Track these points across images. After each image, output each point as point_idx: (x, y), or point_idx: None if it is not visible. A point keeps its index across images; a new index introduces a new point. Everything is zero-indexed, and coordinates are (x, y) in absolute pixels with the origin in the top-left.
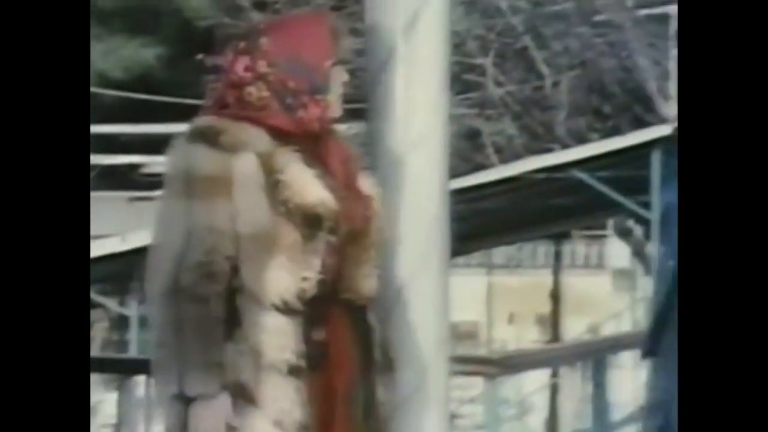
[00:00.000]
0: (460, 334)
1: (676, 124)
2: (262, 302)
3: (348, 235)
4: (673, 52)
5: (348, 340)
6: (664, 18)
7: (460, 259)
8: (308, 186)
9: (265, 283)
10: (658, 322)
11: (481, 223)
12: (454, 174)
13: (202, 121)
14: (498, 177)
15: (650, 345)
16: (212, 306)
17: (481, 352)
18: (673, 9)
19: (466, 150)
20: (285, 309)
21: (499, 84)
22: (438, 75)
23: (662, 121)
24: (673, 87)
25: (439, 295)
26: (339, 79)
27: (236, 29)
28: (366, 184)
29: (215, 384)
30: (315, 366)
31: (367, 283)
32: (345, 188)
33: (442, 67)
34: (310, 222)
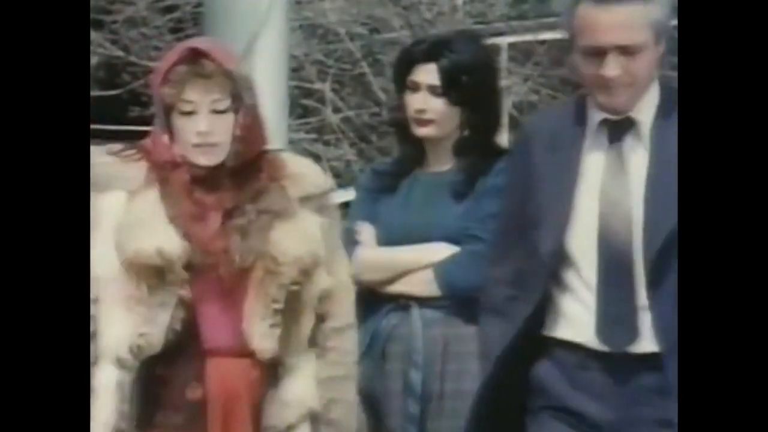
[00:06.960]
0: None
1: None
2: (102, 355)
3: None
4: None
5: (232, 394)
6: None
7: None
8: (149, 234)
9: (103, 335)
10: None
11: None
12: None
13: None
14: (337, 201)
15: None
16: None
17: None
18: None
19: None
20: (120, 365)
21: (337, 110)
22: (277, 99)
23: None
24: None
25: None
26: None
27: None
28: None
29: None
30: (193, 427)
31: None
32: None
33: (281, 90)
34: (147, 274)
